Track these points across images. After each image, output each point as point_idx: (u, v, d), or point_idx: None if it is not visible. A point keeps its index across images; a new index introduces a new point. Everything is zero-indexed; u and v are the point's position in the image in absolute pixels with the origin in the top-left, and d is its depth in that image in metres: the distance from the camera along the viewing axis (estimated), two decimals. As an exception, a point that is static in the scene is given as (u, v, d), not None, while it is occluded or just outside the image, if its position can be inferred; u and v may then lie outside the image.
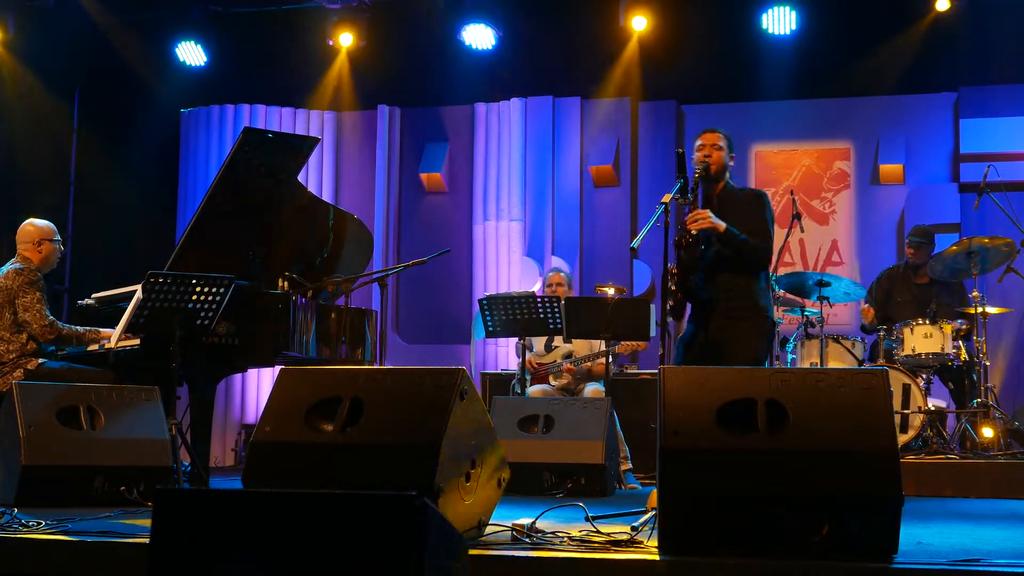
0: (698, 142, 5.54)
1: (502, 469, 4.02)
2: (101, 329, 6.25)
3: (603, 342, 7.41)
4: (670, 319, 5.19)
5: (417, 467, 3.52)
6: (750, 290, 5.40)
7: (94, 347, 6.22)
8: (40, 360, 6.07)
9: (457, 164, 10.89)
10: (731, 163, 5.55)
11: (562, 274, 8.33)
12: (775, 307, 7.75)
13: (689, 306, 5.44)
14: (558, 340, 8.01)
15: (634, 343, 7.63)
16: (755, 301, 5.40)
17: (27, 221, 6.49)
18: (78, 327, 6.26)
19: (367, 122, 11.03)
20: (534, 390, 7.71)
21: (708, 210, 5.25)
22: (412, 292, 10.79)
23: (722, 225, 5.23)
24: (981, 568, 3.15)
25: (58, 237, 6.53)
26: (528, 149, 10.54)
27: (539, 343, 8.08)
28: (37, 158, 10.94)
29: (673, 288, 5.16)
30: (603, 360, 7.49)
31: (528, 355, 7.95)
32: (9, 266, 6.31)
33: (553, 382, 7.90)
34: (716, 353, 5.34)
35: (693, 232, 5.22)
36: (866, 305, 8.36)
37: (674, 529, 3.41)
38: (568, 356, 7.93)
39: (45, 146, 11.12)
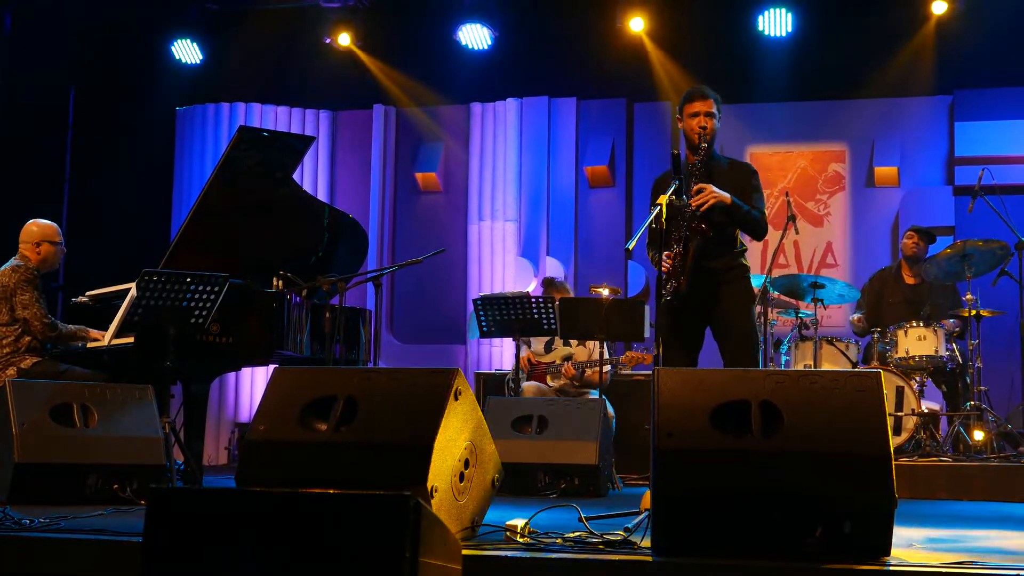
0: (691, 108, 5.34)
1: (496, 469, 4.02)
2: (90, 329, 6.25)
3: (602, 349, 7.40)
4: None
5: (411, 467, 3.52)
6: (731, 252, 5.36)
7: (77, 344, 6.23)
8: (35, 358, 6.06)
9: (452, 164, 10.90)
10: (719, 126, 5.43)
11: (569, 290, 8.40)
12: (769, 309, 7.78)
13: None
14: (558, 342, 8.02)
15: (638, 355, 7.63)
16: (737, 261, 5.38)
17: (31, 220, 6.49)
18: (70, 326, 6.26)
19: (362, 121, 11.04)
20: (528, 386, 7.70)
21: (710, 184, 5.15)
22: (407, 292, 10.80)
23: (728, 197, 5.15)
24: (973, 570, 3.15)
25: (60, 239, 6.51)
26: (523, 149, 10.54)
27: (539, 342, 8.08)
28: (32, 156, 10.93)
29: (669, 271, 5.06)
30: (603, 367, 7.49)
31: (527, 350, 7.95)
32: (8, 263, 6.31)
33: (551, 383, 7.90)
34: (706, 318, 5.31)
35: (702, 210, 5.10)
36: (857, 315, 8.36)
37: (668, 530, 3.41)
38: (568, 358, 7.93)
39: (40, 144, 11.11)
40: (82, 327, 6.26)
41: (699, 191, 5.16)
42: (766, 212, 5.48)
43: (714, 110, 5.35)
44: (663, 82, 10.39)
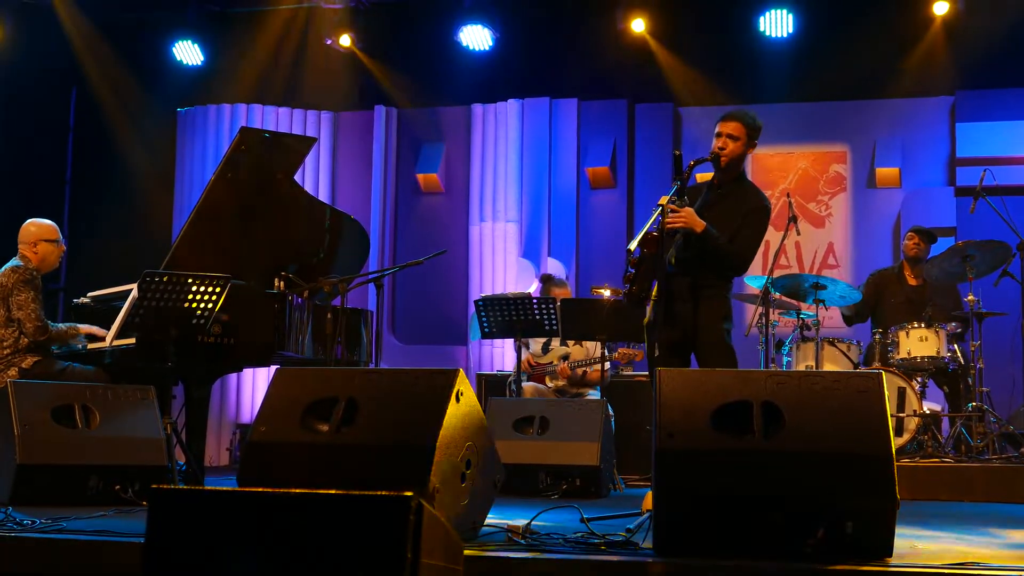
0: (717, 128, 5.34)
1: (497, 470, 4.02)
2: (80, 325, 6.24)
3: (600, 348, 7.40)
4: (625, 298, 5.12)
5: (412, 467, 3.52)
6: (704, 271, 5.25)
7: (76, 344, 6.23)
8: (35, 357, 6.06)
9: (453, 165, 10.90)
10: (749, 152, 5.38)
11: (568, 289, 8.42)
12: (771, 309, 7.77)
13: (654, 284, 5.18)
14: (555, 342, 8.01)
15: (631, 352, 7.63)
16: (712, 280, 5.27)
17: (29, 221, 6.46)
18: (61, 325, 6.25)
19: (364, 122, 11.04)
20: (527, 386, 7.70)
21: (691, 208, 5.10)
22: (408, 293, 10.80)
23: (701, 226, 5.08)
24: (974, 571, 3.15)
25: (58, 238, 6.48)
26: (525, 150, 10.54)
27: (536, 344, 8.08)
28: (34, 157, 10.93)
29: (631, 278, 5.06)
30: (599, 366, 7.49)
31: (526, 353, 7.94)
32: (8, 264, 6.31)
33: (549, 383, 7.90)
34: (683, 338, 5.23)
35: (670, 229, 5.01)
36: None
37: (669, 531, 3.41)
38: (565, 358, 7.93)
39: (42, 145, 11.11)
40: (72, 324, 6.24)
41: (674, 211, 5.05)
42: (752, 246, 5.32)
43: (738, 133, 5.29)
44: (664, 82, 10.39)
